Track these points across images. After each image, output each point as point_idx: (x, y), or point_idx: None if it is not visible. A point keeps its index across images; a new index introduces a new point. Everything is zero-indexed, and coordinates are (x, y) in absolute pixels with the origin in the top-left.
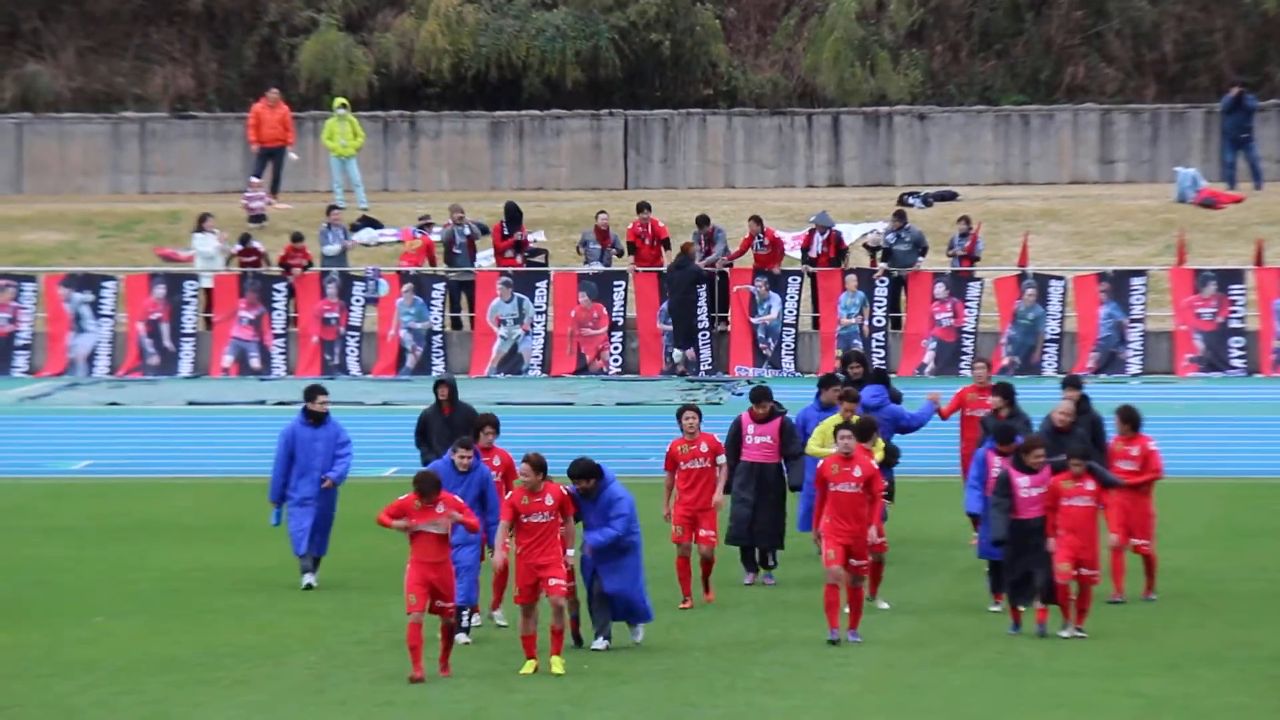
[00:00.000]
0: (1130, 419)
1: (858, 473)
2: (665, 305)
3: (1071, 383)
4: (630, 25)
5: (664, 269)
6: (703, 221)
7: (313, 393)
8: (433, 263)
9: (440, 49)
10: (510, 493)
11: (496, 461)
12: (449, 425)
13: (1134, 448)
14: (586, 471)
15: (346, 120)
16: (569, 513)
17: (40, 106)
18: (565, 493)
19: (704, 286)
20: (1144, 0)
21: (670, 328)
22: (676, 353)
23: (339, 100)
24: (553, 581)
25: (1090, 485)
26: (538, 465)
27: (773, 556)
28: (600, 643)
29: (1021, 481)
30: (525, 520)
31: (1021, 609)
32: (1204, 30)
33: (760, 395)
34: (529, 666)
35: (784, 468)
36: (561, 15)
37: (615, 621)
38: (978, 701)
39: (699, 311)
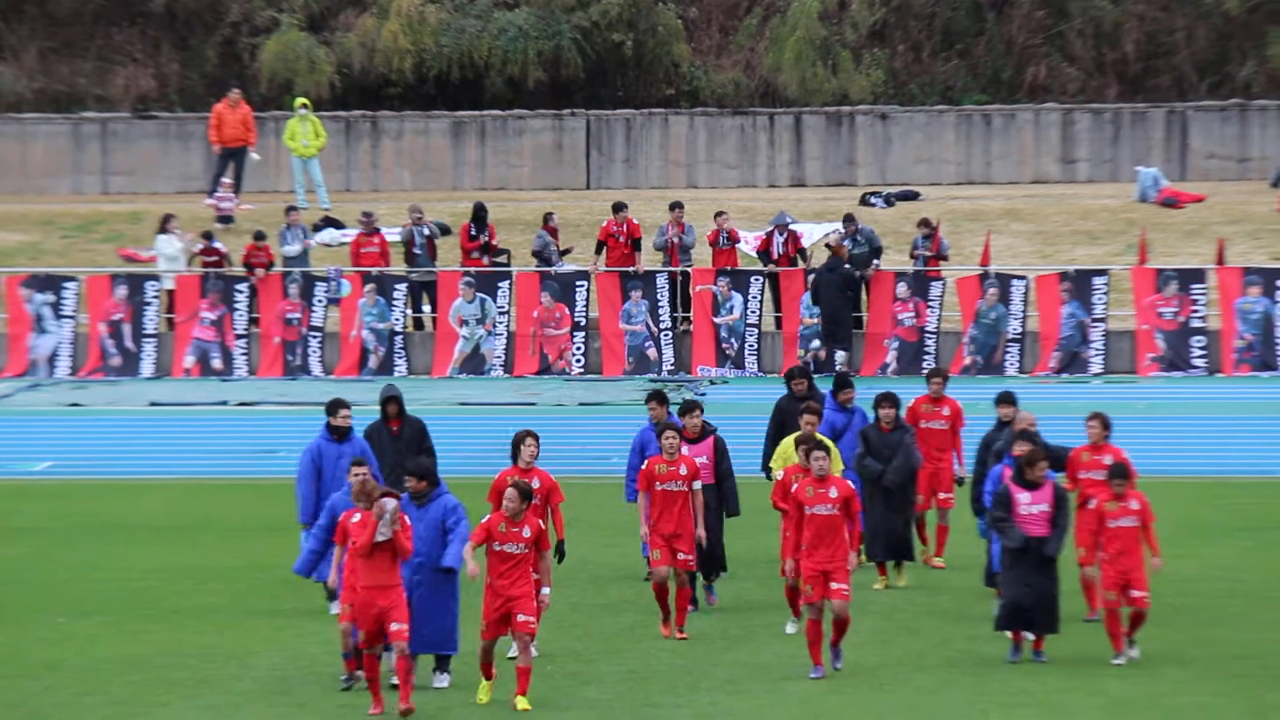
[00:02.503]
0: (1109, 425)
1: (834, 494)
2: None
3: (1005, 399)
4: (592, 25)
5: (634, 267)
6: (675, 206)
7: (334, 407)
8: (387, 262)
9: (402, 49)
10: (488, 515)
11: (536, 484)
12: (397, 443)
13: (1105, 456)
14: (425, 473)
15: (308, 120)
16: (544, 547)
17: (1, 107)
18: (542, 527)
19: (854, 289)
20: (1105, 0)
21: (814, 326)
22: (816, 344)
23: (300, 100)
24: (521, 618)
25: (1135, 505)
26: (525, 494)
27: (714, 575)
28: (443, 679)
29: (1022, 498)
30: (498, 548)
31: (1024, 634)
32: (1165, 30)
33: (687, 408)
34: (484, 689)
35: (720, 488)
36: (523, 15)
37: (422, 654)
38: (943, 700)
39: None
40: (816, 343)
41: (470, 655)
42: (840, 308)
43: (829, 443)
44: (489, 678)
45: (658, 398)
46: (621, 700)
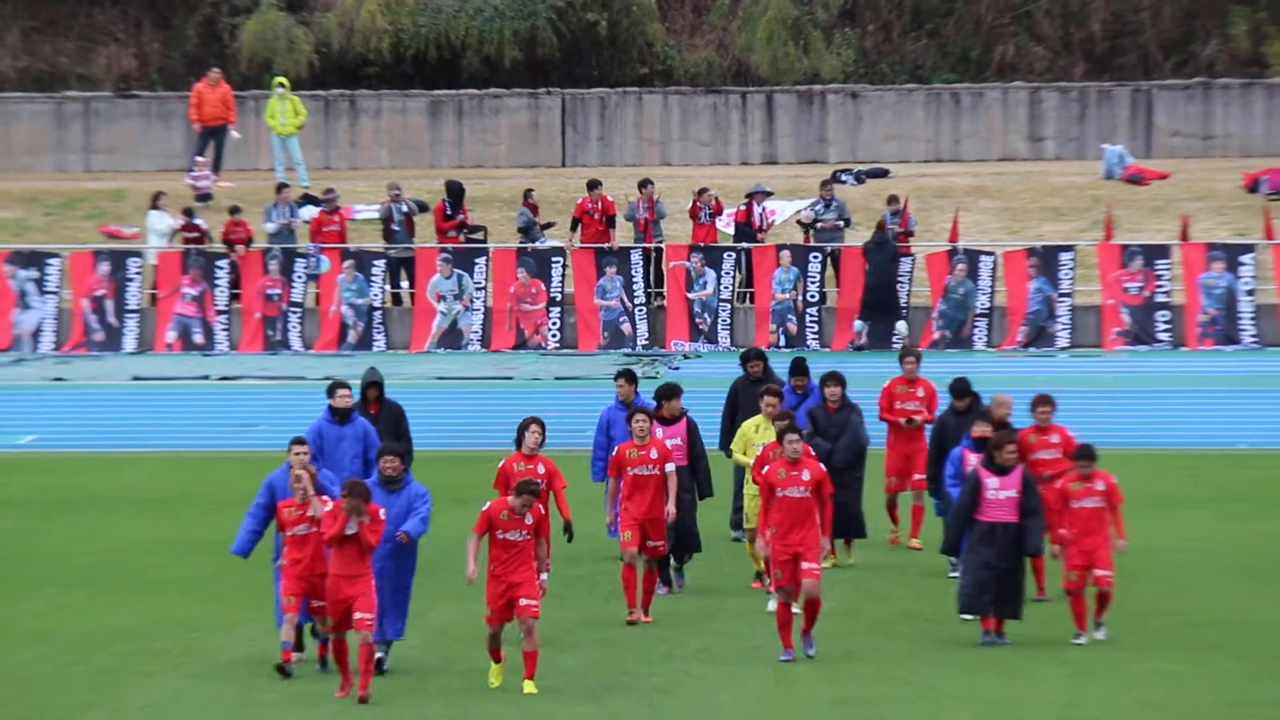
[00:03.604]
0: (1052, 403)
1: (806, 476)
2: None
3: (959, 390)
4: (567, 5)
5: (609, 244)
6: (644, 184)
7: (333, 389)
8: (343, 239)
9: (380, 29)
10: (489, 504)
11: (541, 470)
12: (374, 426)
13: (1053, 435)
14: (402, 457)
15: (287, 99)
16: (543, 534)
17: None
18: (542, 512)
19: (903, 260)
20: None
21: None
22: (859, 323)
23: (279, 79)
24: (524, 602)
25: (1100, 485)
26: (535, 494)
27: (687, 556)
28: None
29: (991, 482)
30: (500, 536)
31: (975, 616)
32: (1131, 9)
33: (668, 393)
34: (495, 673)
35: (693, 470)
36: None
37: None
38: (911, 668)
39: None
40: (859, 324)
41: (440, 636)
42: (891, 279)
43: None
44: (498, 661)
45: (627, 376)
46: (597, 669)
